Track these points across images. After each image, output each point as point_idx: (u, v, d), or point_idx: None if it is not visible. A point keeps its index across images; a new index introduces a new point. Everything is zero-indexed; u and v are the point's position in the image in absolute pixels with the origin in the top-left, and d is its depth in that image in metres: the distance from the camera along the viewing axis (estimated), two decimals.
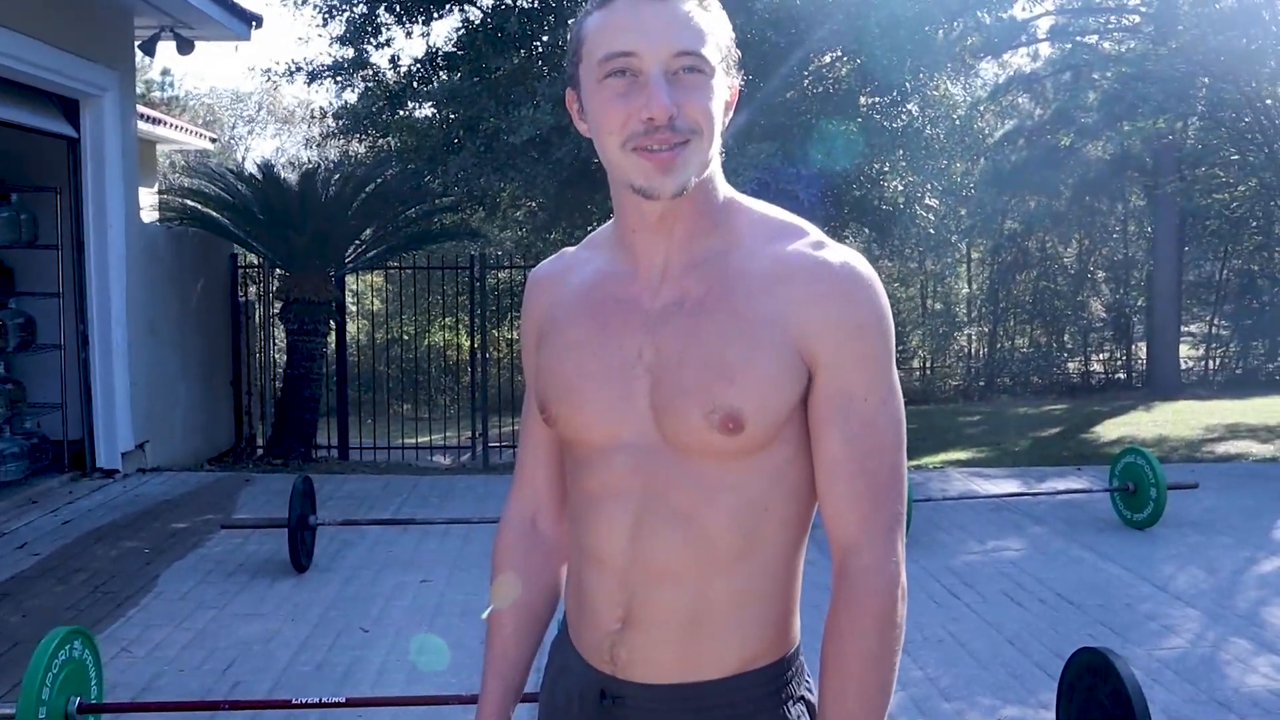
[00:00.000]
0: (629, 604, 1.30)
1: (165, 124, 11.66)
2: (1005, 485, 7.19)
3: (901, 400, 1.30)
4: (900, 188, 8.16)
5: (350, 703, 3.31)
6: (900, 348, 20.12)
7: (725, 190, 1.33)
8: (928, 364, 20.03)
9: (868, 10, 7.65)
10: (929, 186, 8.12)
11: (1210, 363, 18.08)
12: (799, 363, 1.24)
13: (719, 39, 1.25)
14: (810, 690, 1.35)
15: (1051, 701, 3.24)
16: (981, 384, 18.56)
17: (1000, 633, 4.42)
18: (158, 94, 22.39)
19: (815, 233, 1.31)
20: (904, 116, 8.61)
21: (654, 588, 1.29)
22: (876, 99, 8.68)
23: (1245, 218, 16.37)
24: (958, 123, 8.83)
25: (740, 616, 1.29)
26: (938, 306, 20.12)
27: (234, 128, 26.21)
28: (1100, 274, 19.19)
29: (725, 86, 1.27)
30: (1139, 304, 18.05)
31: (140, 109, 10.35)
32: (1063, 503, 6.59)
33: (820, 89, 8.95)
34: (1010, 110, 18.16)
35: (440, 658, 4.09)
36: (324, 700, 3.31)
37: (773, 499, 1.29)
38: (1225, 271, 18.03)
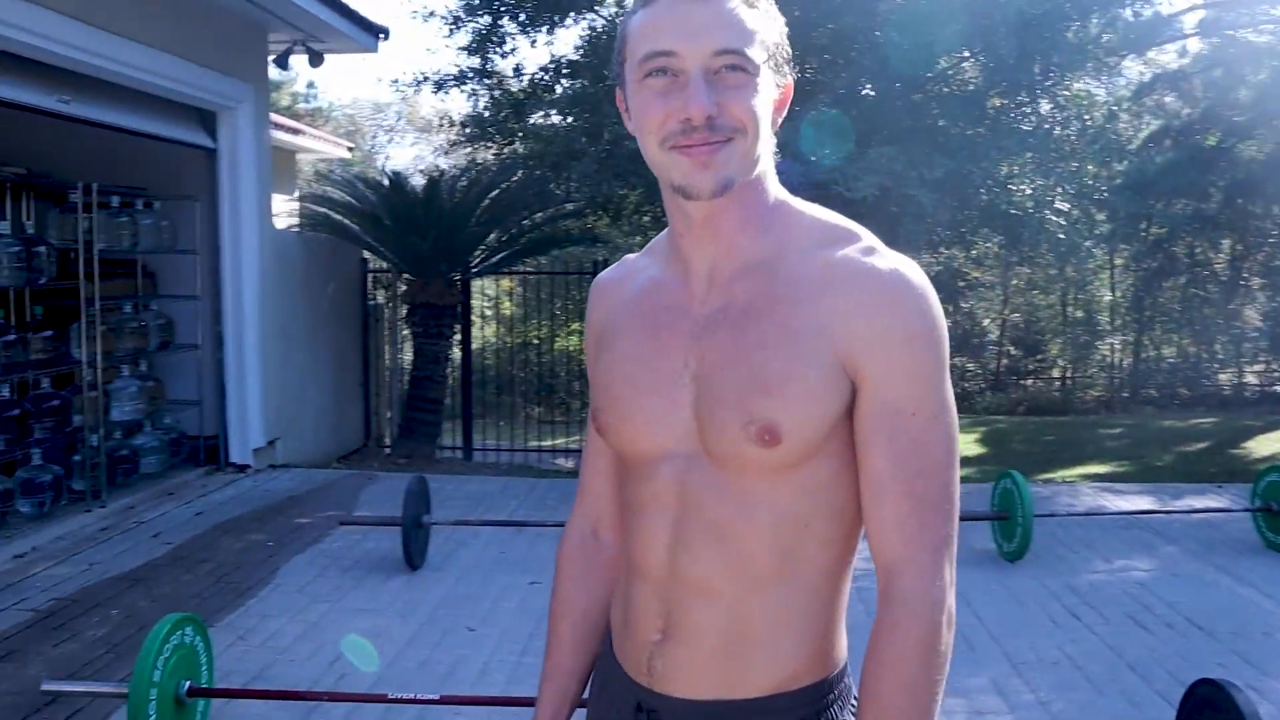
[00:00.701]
0: (667, 616, 1.29)
1: (304, 133, 12.13)
2: (1138, 502, 6.84)
3: (954, 416, 1.23)
4: (1029, 192, 7.86)
5: (444, 700, 3.36)
6: (1039, 357, 19.67)
7: (777, 192, 1.29)
8: (1068, 374, 19.33)
9: (993, 10, 7.41)
10: (1059, 190, 7.80)
11: None
12: (842, 374, 1.20)
13: (766, 37, 1.21)
14: (855, 715, 1.29)
15: None
16: (1125, 395, 17.81)
17: (1121, 657, 4.21)
18: (303, 105, 23.36)
19: (868, 238, 1.26)
20: (1033, 118, 8.30)
21: (691, 602, 1.27)
22: (1005, 100, 8.40)
23: None
24: (1089, 124, 8.47)
25: (779, 635, 1.25)
26: (1079, 314, 19.38)
27: (374, 136, 27.17)
28: (1255, 281, 18.13)
29: (773, 85, 1.23)
30: None
31: (279, 119, 10.81)
32: (1200, 522, 6.23)
33: (946, 91, 8.71)
34: (1156, 110, 17.37)
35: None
36: (419, 697, 3.37)
37: (814, 516, 1.24)
38: None
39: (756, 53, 1.19)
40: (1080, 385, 18.52)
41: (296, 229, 9.28)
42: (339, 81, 53.00)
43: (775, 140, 1.29)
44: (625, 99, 1.27)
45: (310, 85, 24.45)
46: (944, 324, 1.23)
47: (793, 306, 1.21)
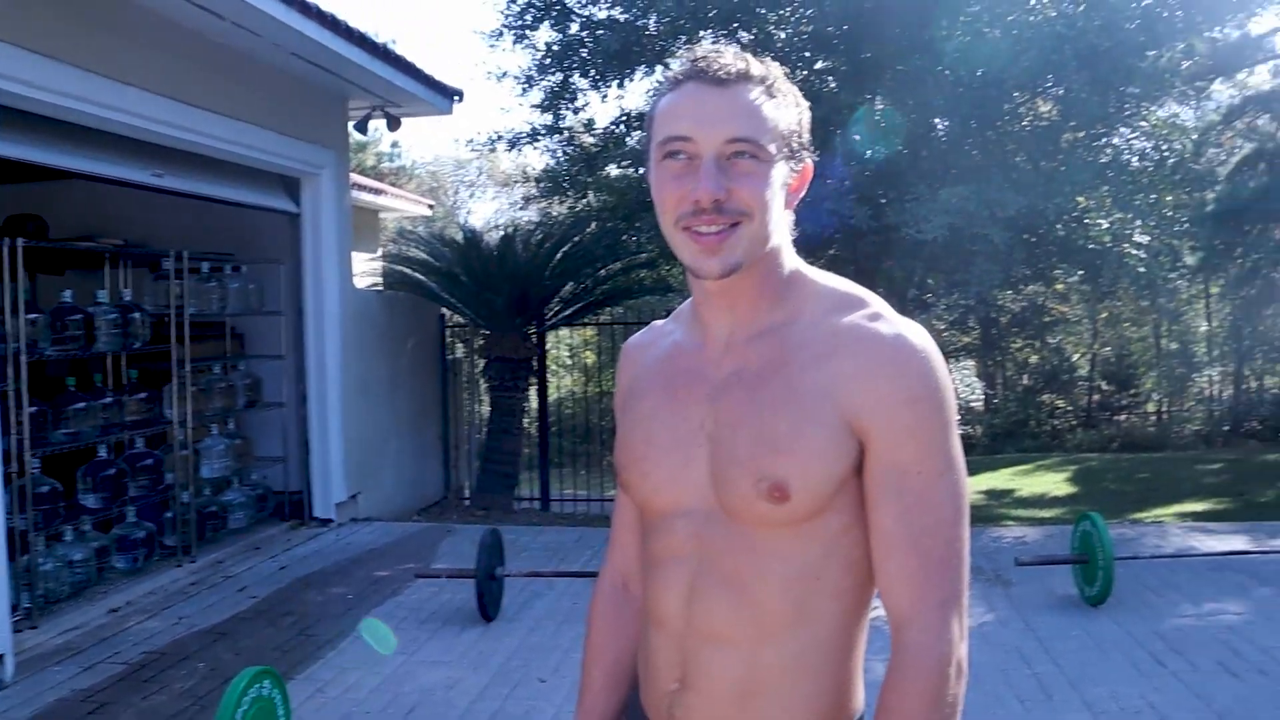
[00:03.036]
0: (685, 666, 1.34)
1: (386, 193, 12.52)
2: (1230, 541, 6.59)
3: (963, 474, 1.28)
4: (1106, 225, 7.71)
5: None
6: (1133, 391, 19.09)
7: (792, 264, 1.36)
8: (1163, 408, 18.75)
9: (1063, 44, 7.33)
10: (1139, 223, 7.64)
11: None
12: (849, 435, 1.25)
13: (782, 125, 1.29)
14: None
15: None
16: (1225, 428, 17.19)
17: (1210, 706, 4.06)
18: (387, 165, 24.07)
19: (876, 303, 1.32)
20: (1110, 151, 8.16)
21: (707, 652, 1.32)
22: (1080, 134, 8.27)
23: None
24: (1169, 153, 8.28)
25: (793, 685, 1.30)
26: (1173, 346, 18.83)
27: (456, 193, 27.83)
28: None
29: (787, 171, 1.31)
30: None
31: (362, 180, 11.18)
32: None
33: (1018, 127, 8.61)
34: (1248, 133, 16.90)
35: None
36: None
37: (826, 569, 1.29)
38: None
39: (769, 142, 1.27)
40: (1177, 419, 17.96)
41: (378, 288, 9.54)
42: (422, 140, 54.52)
43: (792, 218, 1.36)
44: (649, 175, 1.35)
45: (394, 145, 25.22)
46: (949, 385, 1.27)
47: (801, 370, 1.28)
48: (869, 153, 7.96)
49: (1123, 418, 18.71)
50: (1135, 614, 5.19)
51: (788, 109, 1.30)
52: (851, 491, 1.27)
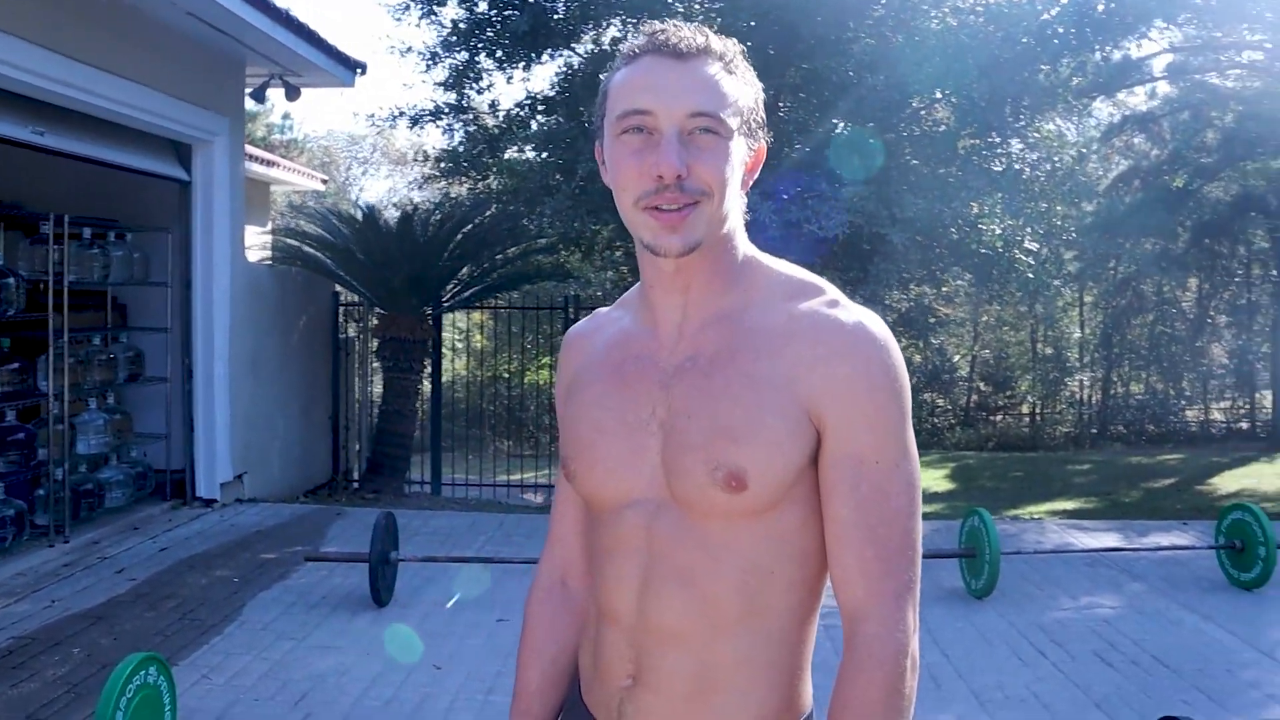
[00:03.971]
0: (637, 662, 1.31)
1: (279, 165, 12.13)
2: (1105, 539, 6.89)
3: (916, 464, 1.27)
4: (999, 231, 7.97)
5: None
6: (1009, 393, 19.80)
7: (746, 249, 1.33)
8: (1037, 410, 19.48)
9: (965, 53, 7.53)
10: (1029, 230, 7.92)
11: None
12: (806, 423, 1.23)
13: (741, 102, 1.26)
14: None
15: None
16: (1094, 431, 17.96)
17: (1088, 695, 4.23)
18: (277, 137, 23.36)
19: (831, 291, 1.30)
20: (1003, 159, 8.43)
21: (660, 647, 1.29)
22: (975, 141, 8.52)
23: None
24: (1058, 165, 8.61)
25: (747, 679, 1.28)
26: (1048, 351, 19.59)
27: (349, 169, 27.17)
28: (1221, 319, 18.41)
29: (745, 149, 1.28)
30: (1263, 350, 17.24)
31: (254, 151, 10.81)
32: (1165, 559, 6.29)
33: (918, 132, 8.83)
34: (1125, 151, 17.68)
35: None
36: None
37: (779, 562, 1.27)
38: None
39: (730, 117, 1.24)
40: (1049, 421, 18.68)
41: (269, 262, 9.25)
42: (314, 113, 53.03)
43: (745, 199, 1.33)
44: (603, 152, 1.31)
45: (285, 117, 24.46)
46: (905, 374, 1.26)
47: (756, 357, 1.25)
48: (773, 147, 8.05)
49: (999, 418, 19.38)
50: (1017, 607, 5.38)
51: (746, 86, 1.28)
52: (807, 482, 1.25)
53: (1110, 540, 6.83)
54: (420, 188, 17.10)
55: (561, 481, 1.49)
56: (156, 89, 6.55)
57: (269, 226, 11.61)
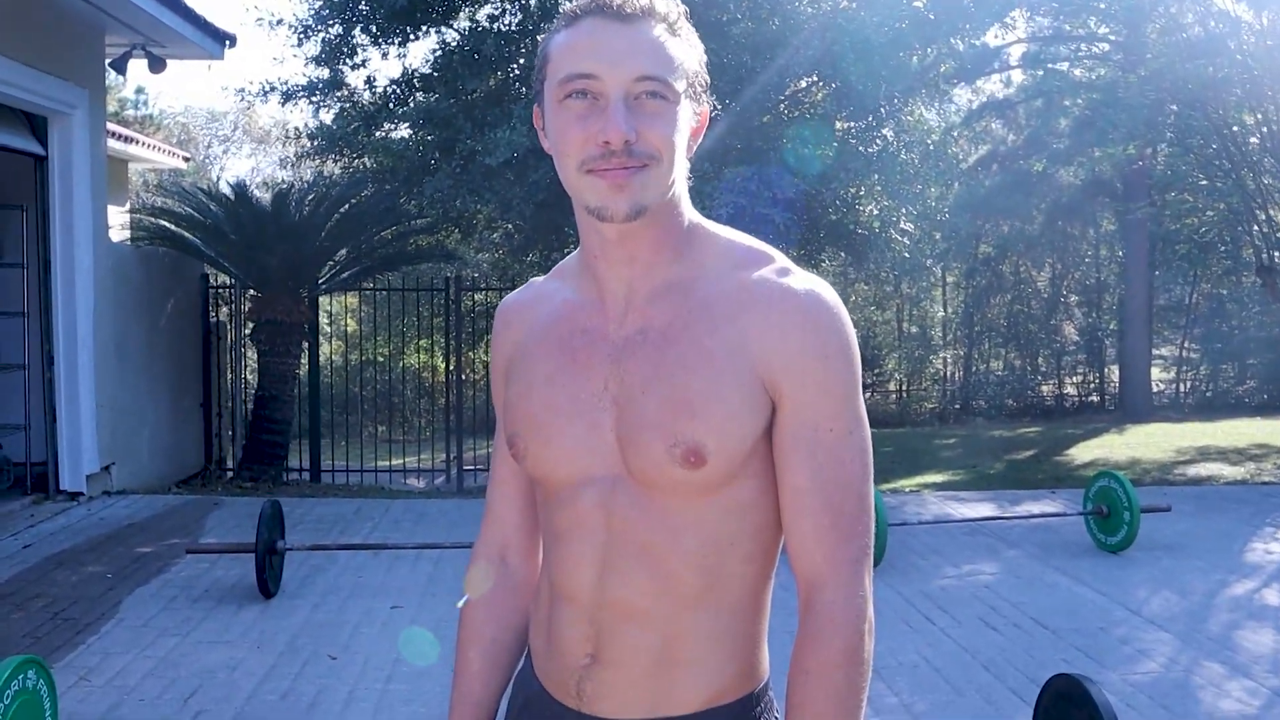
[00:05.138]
0: (597, 640, 1.28)
1: (138, 142, 11.55)
2: (980, 509, 7.18)
3: (868, 430, 1.26)
4: (875, 212, 8.19)
5: None
6: (877, 370, 20.39)
7: (691, 216, 1.30)
8: (904, 387, 20.11)
9: (842, 36, 7.69)
10: (904, 211, 8.16)
11: (1181, 385, 18.26)
12: (762, 393, 1.22)
13: (687, 65, 1.22)
14: None
15: None
16: (957, 407, 18.64)
17: (975, 658, 4.40)
18: (131, 112, 22.25)
19: (781, 259, 1.28)
20: (879, 141, 8.66)
21: (621, 625, 1.27)
22: (852, 123, 8.72)
23: (1214, 242, 16.54)
24: (931, 148, 8.89)
25: (708, 652, 1.27)
26: (914, 330, 20.23)
27: (209, 147, 26.09)
28: (1073, 298, 19.37)
29: (691, 113, 1.24)
30: (1111, 327, 18.22)
31: (112, 127, 10.26)
32: (1037, 526, 6.59)
33: (796, 113, 8.99)
34: (984, 136, 18.37)
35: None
36: None
37: (737, 536, 1.26)
38: (1195, 295, 18.23)
39: (677, 81, 1.20)
40: (915, 398, 19.30)
41: (132, 242, 8.82)
42: (171, 88, 50.75)
43: (689, 165, 1.30)
44: (543, 118, 1.26)
45: (139, 91, 23.31)
46: (856, 342, 1.26)
47: (710, 328, 1.23)
48: None
49: (868, 395, 19.79)
50: (904, 576, 5.56)
51: (691, 49, 1.24)
52: (762, 454, 1.24)
53: (986, 510, 7.12)
54: (290, 166, 16.53)
55: (500, 459, 1.44)
56: (6, 55, 6.15)
57: (127, 206, 11.07)
